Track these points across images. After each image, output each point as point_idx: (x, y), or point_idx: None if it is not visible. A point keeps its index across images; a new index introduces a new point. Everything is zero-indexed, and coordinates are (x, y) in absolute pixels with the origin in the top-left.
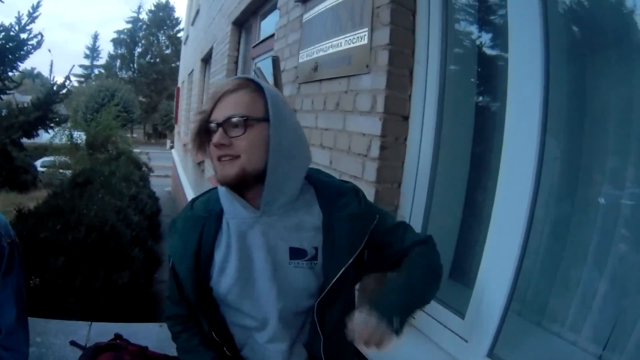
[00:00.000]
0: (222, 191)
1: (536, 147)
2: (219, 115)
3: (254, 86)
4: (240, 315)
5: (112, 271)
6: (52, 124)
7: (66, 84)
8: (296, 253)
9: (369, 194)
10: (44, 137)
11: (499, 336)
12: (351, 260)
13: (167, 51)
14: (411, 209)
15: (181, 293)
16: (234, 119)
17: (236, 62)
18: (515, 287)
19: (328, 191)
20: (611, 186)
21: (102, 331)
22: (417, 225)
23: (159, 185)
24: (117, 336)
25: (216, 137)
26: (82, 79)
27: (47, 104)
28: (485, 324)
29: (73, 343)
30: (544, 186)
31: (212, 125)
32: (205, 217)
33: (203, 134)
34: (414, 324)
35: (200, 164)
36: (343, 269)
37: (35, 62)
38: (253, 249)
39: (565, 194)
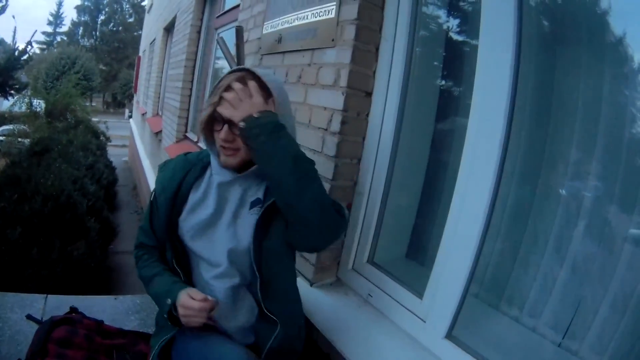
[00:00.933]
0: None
1: (501, 133)
2: (225, 112)
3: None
4: (192, 254)
5: (68, 242)
6: (12, 91)
7: (27, 49)
8: (254, 204)
9: (328, 168)
10: (3, 105)
11: (458, 318)
12: (272, 200)
13: (130, 19)
14: (370, 185)
15: (152, 224)
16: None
17: (199, 32)
18: (475, 270)
19: None
20: (574, 176)
21: (58, 304)
22: (375, 202)
23: (116, 154)
24: (73, 309)
25: (222, 134)
26: (45, 46)
27: (8, 70)
28: (444, 305)
29: (29, 317)
30: (507, 172)
31: (219, 116)
32: (194, 164)
33: (212, 119)
34: (371, 302)
35: (157, 133)
36: (267, 204)
37: None
38: (228, 202)
39: (528, 181)
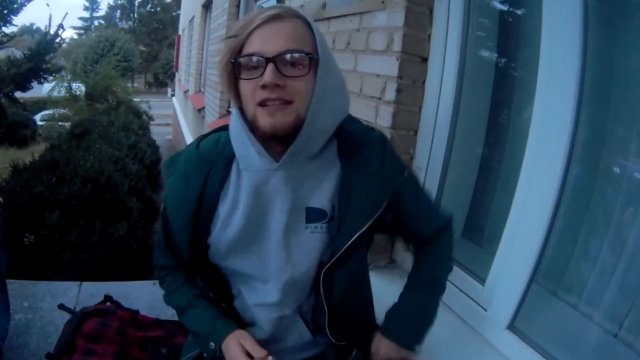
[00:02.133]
0: (235, 134)
1: (573, 106)
2: (267, 47)
3: (303, 18)
4: (231, 274)
5: (108, 223)
6: (45, 75)
7: (59, 32)
8: (314, 214)
9: None
10: (43, 90)
11: (521, 308)
12: (367, 226)
13: (168, 0)
14: (428, 160)
15: (169, 244)
16: (296, 55)
17: (238, 6)
18: (542, 257)
19: (350, 143)
20: None
21: (92, 292)
22: (434, 179)
23: (159, 133)
24: (107, 298)
25: (268, 76)
26: (82, 31)
27: (40, 55)
28: (507, 293)
29: (61, 307)
30: (577, 154)
31: (255, 59)
32: (213, 161)
33: (233, 68)
34: None
35: (200, 110)
36: (356, 234)
37: (33, 17)
38: (266, 207)
39: (598, 163)
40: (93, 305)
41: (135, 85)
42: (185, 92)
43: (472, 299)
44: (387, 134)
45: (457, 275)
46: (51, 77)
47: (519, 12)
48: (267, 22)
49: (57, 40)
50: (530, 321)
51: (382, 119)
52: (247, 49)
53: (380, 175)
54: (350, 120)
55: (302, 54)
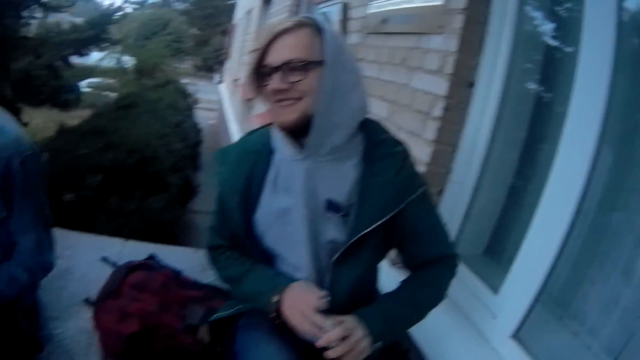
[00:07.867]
0: (275, 128)
1: (593, 148)
2: (275, 59)
3: (314, 26)
4: (276, 258)
5: (147, 194)
6: (105, 44)
7: (123, 6)
8: (332, 206)
9: (426, 152)
10: (91, 58)
11: (527, 320)
12: (375, 226)
13: None
14: (464, 175)
15: (226, 225)
16: (293, 64)
17: (298, 5)
18: (551, 275)
19: (374, 149)
20: None
21: (135, 250)
22: (466, 193)
23: (202, 117)
24: (151, 257)
25: (274, 83)
26: (137, 6)
27: (102, 24)
28: (516, 304)
29: (105, 259)
30: (595, 188)
31: (267, 69)
32: (258, 152)
33: (257, 76)
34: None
35: (249, 100)
36: (364, 232)
37: None
38: (293, 192)
39: (616, 200)
40: (138, 260)
41: (183, 66)
42: (236, 80)
43: (485, 304)
44: (431, 146)
45: (473, 283)
46: (110, 47)
47: (560, 53)
48: (277, 37)
49: (120, 13)
50: (533, 334)
51: (427, 133)
52: (263, 61)
53: (395, 182)
54: (377, 129)
55: (301, 62)
